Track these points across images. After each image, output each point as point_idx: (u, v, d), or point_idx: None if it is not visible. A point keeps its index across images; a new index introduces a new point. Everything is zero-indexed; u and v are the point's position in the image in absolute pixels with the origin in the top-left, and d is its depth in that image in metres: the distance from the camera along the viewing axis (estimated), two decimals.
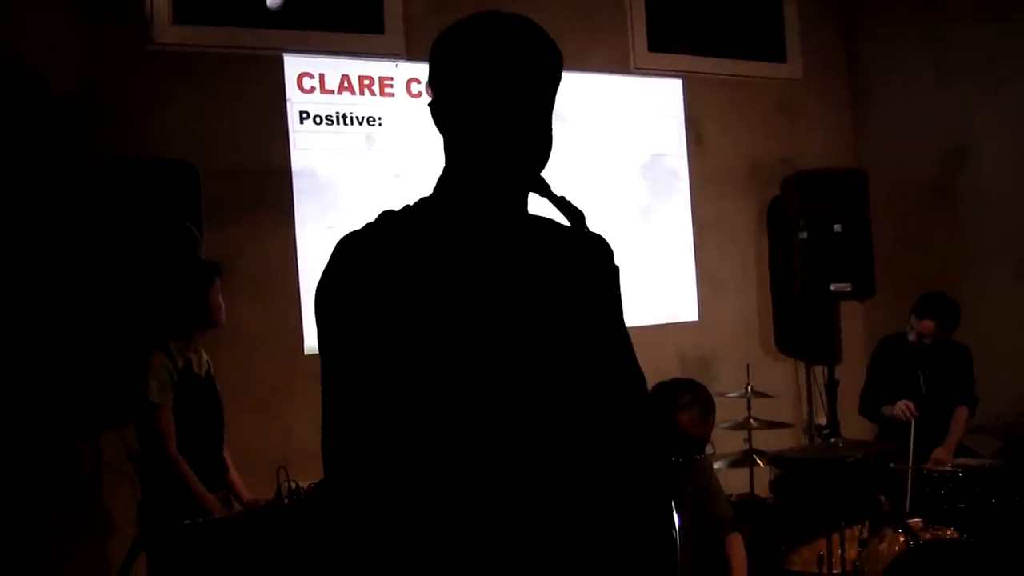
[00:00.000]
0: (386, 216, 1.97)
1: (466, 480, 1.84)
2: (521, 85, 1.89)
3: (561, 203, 1.90)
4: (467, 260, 1.91)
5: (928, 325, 6.36)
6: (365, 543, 1.86)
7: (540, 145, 1.94)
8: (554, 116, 1.96)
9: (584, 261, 2.02)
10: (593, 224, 1.91)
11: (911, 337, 6.46)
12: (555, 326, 1.93)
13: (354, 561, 1.87)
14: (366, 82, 6.52)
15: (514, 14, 1.94)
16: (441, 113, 1.97)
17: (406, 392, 1.83)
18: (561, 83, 2.00)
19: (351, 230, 1.94)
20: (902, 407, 6.21)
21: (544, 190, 1.91)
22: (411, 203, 2.00)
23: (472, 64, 1.90)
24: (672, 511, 3.82)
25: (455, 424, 1.84)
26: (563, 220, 1.94)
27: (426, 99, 1.98)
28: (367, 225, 1.95)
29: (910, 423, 6.02)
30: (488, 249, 1.93)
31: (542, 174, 1.95)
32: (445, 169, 2.00)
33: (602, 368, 2.00)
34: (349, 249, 1.91)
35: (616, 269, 2.09)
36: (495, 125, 1.88)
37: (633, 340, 2.09)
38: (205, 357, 5.31)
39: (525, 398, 1.88)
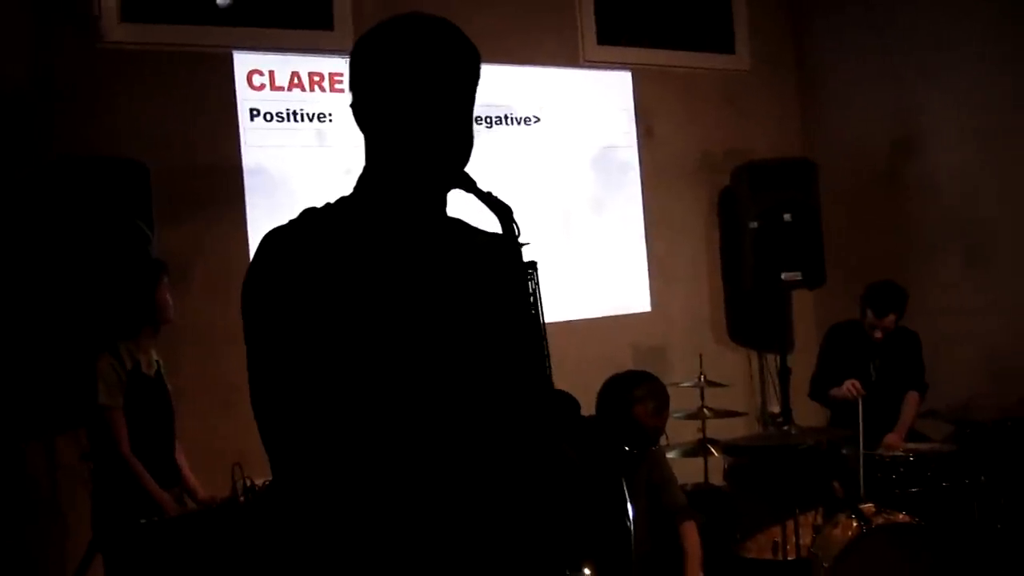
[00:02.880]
0: (308, 213, 2.00)
1: (396, 469, 1.89)
2: (440, 86, 1.92)
3: (488, 199, 1.94)
4: (383, 257, 1.94)
5: (891, 320, 6.43)
6: (314, 533, 1.90)
7: (459, 146, 1.98)
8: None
9: (492, 258, 2.06)
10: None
11: (876, 335, 6.48)
12: (464, 316, 1.98)
13: (307, 548, 1.91)
14: (316, 78, 6.50)
15: (433, 16, 1.98)
16: (362, 114, 2.00)
17: (333, 382, 1.87)
18: (480, 81, 2.03)
19: (274, 227, 1.97)
20: (848, 386, 6.22)
21: (470, 186, 1.94)
22: (332, 201, 2.03)
23: (391, 66, 1.93)
24: (627, 502, 3.86)
25: (379, 415, 1.88)
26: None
27: None
28: (290, 222, 1.99)
29: (857, 403, 5.97)
30: (402, 247, 1.96)
31: (466, 170, 1.98)
32: (365, 168, 2.04)
33: (510, 358, 2.03)
34: (273, 245, 1.95)
35: (525, 265, 2.11)
36: (414, 127, 1.92)
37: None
38: (155, 357, 5.26)
39: (439, 385, 1.93)
